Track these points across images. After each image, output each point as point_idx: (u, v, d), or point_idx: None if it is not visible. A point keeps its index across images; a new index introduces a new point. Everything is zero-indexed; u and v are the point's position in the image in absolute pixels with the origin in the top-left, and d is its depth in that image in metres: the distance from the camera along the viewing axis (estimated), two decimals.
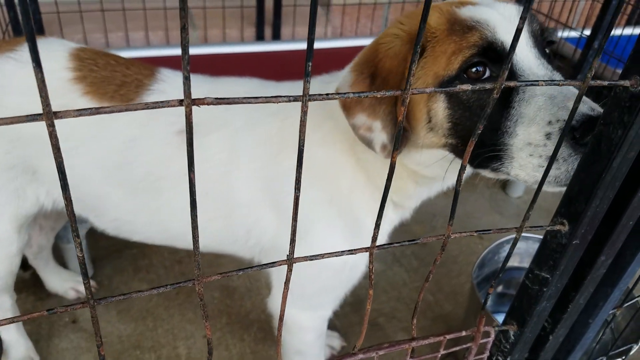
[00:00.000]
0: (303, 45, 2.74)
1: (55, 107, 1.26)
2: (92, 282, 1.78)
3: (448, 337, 0.80)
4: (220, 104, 0.46)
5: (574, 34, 2.95)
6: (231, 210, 1.17)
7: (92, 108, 0.42)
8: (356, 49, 3.16)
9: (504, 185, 2.44)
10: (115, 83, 1.12)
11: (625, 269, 0.84)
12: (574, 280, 0.82)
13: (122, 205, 1.18)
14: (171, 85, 1.16)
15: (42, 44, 1.16)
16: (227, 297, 1.80)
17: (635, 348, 1.31)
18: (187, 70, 0.43)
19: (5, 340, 1.51)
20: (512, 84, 0.53)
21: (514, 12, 0.90)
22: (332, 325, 1.73)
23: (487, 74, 0.88)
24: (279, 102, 0.48)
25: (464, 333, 0.81)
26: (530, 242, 1.65)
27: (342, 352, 1.67)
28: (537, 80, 0.55)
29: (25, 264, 1.70)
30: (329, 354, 1.65)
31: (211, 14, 2.78)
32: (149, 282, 1.82)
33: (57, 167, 0.47)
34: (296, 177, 0.53)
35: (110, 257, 1.91)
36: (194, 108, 1.37)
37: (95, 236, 1.88)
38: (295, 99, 0.49)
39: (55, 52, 1.14)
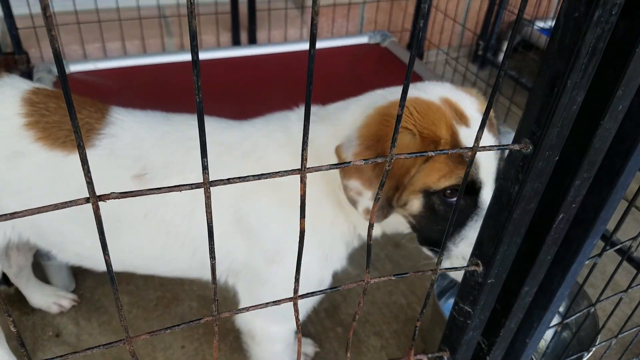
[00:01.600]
0: (280, 49, 2.76)
1: (9, 154, 1.32)
2: (73, 296, 1.84)
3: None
4: (125, 197, 0.50)
5: (551, 24, 2.97)
6: (202, 243, 1.20)
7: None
8: (333, 50, 3.16)
9: None
10: (67, 128, 1.14)
11: (554, 294, 0.90)
12: (504, 306, 0.88)
13: (83, 242, 1.23)
14: (122, 127, 1.18)
15: None
16: (204, 307, 1.87)
17: (586, 356, 1.37)
18: (89, 172, 0.49)
19: None
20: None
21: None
22: (306, 332, 1.80)
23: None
24: (182, 190, 0.52)
25: None
26: None
27: (316, 358, 1.74)
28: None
29: (9, 280, 1.76)
30: None
31: (186, 20, 2.80)
32: (129, 293, 1.89)
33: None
34: (300, 230, 0.57)
35: (90, 271, 1.97)
36: (151, 143, 1.41)
37: None
38: (198, 186, 0.53)
39: (8, 97, 1.16)
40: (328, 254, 1.23)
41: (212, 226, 0.55)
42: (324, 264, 1.23)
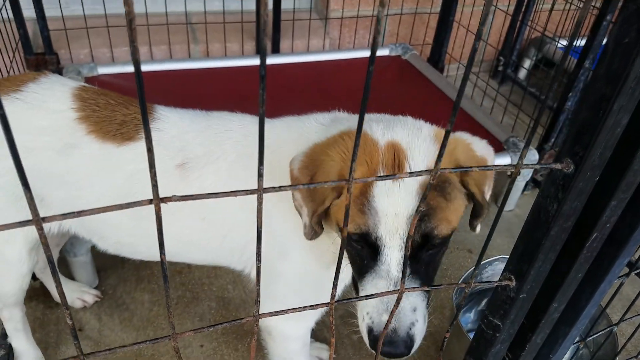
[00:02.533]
0: (302, 59, 2.81)
1: (62, 146, 1.38)
2: (97, 292, 1.88)
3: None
4: (186, 200, 0.53)
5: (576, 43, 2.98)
6: (229, 230, 1.28)
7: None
8: (355, 61, 3.21)
9: (496, 198, 2.50)
10: (117, 122, 1.21)
11: (582, 311, 0.91)
12: (531, 321, 0.89)
13: (125, 230, 1.28)
14: (167, 122, 1.25)
15: (46, 83, 1.24)
16: (223, 307, 1.89)
17: None
18: (154, 175, 0.52)
19: (15, 349, 1.61)
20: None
21: (403, 207, 0.94)
22: (321, 337, 1.82)
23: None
24: (237, 195, 0.55)
25: None
26: None
27: None
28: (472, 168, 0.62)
29: (35, 274, 1.80)
30: None
31: (212, 28, 2.85)
32: (151, 292, 1.92)
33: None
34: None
35: (114, 268, 2.01)
36: (193, 136, 1.47)
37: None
38: (253, 192, 0.56)
39: (59, 92, 1.22)
40: (329, 259, 1.24)
41: (260, 231, 0.57)
42: (324, 266, 1.24)
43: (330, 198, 1.00)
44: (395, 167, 0.98)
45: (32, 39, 2.58)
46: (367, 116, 1.14)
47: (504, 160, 2.25)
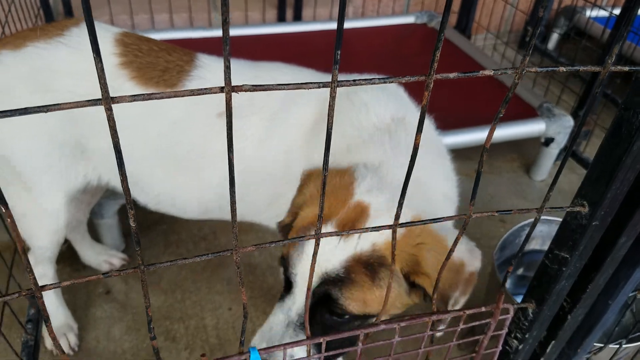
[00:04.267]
0: (324, 26, 2.75)
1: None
2: (124, 255, 1.86)
3: (468, 312, 0.83)
4: (256, 90, 0.49)
5: (603, 12, 2.88)
6: (260, 185, 1.26)
7: (145, 94, 0.46)
8: (378, 29, 3.14)
9: (528, 168, 2.43)
10: (159, 69, 1.18)
11: None
12: (594, 261, 0.84)
13: (165, 181, 1.25)
14: (210, 71, 1.22)
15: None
16: (249, 273, 1.86)
17: None
18: (228, 60, 0.47)
19: (48, 307, 1.60)
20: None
21: (323, 262, 0.90)
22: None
23: None
24: (309, 88, 0.51)
25: (483, 309, 0.84)
26: (552, 225, 1.66)
27: None
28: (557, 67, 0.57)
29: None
30: None
31: None
32: (178, 256, 1.89)
33: (114, 147, 0.51)
34: (324, 159, 0.56)
35: (141, 233, 1.99)
36: (253, 83, 1.42)
37: (126, 213, 1.95)
38: (325, 85, 0.52)
39: (102, 38, 1.19)
40: None
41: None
42: None
43: (289, 217, 1.01)
44: (350, 226, 0.93)
45: (53, 6, 2.55)
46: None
47: (539, 126, 2.19)
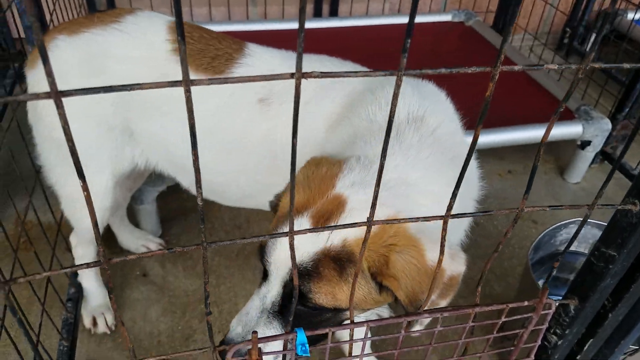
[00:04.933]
0: (361, 22, 2.75)
1: (157, 76, 1.39)
2: (160, 240, 1.91)
3: (510, 305, 0.85)
4: (325, 77, 0.52)
5: None
6: (287, 173, 1.25)
7: (221, 78, 0.49)
8: (415, 26, 3.09)
9: (562, 171, 2.40)
10: (209, 55, 1.22)
11: None
12: None
13: (206, 166, 1.28)
14: (258, 59, 1.25)
15: (143, 16, 1.26)
16: None
17: None
18: (301, 47, 0.49)
19: (85, 288, 1.66)
20: None
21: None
22: None
23: None
24: (375, 76, 0.54)
25: (526, 303, 0.85)
26: (588, 227, 1.64)
27: None
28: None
29: None
30: None
31: None
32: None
33: (190, 128, 0.55)
34: (384, 146, 0.59)
35: (177, 219, 2.04)
36: (276, 81, 1.43)
37: (164, 200, 2.01)
38: (392, 73, 0.54)
39: (157, 25, 1.23)
40: None
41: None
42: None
43: (278, 199, 1.02)
44: (325, 219, 0.91)
45: None
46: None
47: (576, 128, 2.16)
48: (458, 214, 0.70)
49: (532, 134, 2.12)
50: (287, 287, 0.91)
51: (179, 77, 1.21)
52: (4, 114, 2.06)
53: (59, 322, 1.57)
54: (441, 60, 2.57)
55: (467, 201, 1.14)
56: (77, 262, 1.62)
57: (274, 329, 0.93)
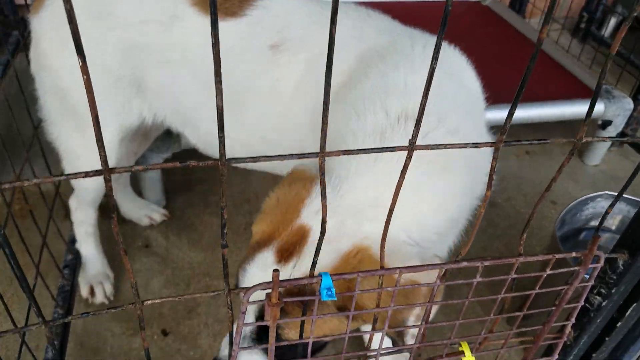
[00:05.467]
0: None
1: (166, 18, 1.29)
2: (164, 211, 1.83)
3: (557, 256, 0.77)
4: None
5: None
6: (292, 133, 1.16)
7: None
8: (431, 4, 3.01)
9: (581, 152, 2.32)
10: None
11: None
12: None
13: (212, 117, 1.19)
14: (275, 1, 1.16)
15: None
16: None
17: None
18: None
19: (83, 255, 1.58)
20: None
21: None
22: None
23: None
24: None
25: (574, 254, 0.77)
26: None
27: None
28: None
29: None
30: None
31: None
32: (218, 217, 1.86)
33: (214, 74, 0.47)
34: (422, 103, 0.51)
35: (182, 191, 1.96)
36: (298, 18, 1.35)
37: (168, 171, 1.93)
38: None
39: None
40: None
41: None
42: None
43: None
44: (289, 253, 0.85)
45: None
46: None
47: (597, 107, 2.08)
48: (511, 141, 0.62)
49: (553, 111, 2.04)
50: (260, 319, 0.87)
51: (189, 18, 1.13)
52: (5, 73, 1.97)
53: (55, 291, 1.49)
54: (458, 39, 2.49)
55: (467, 201, 1.02)
56: (76, 228, 1.54)
57: (255, 355, 0.90)
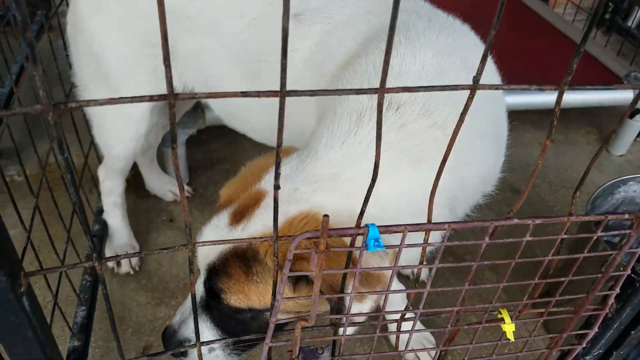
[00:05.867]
0: None
1: None
2: (188, 188, 1.83)
3: (610, 217, 0.75)
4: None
5: None
6: (303, 105, 1.11)
7: None
8: None
9: (607, 139, 2.29)
10: None
11: None
12: None
13: (236, 87, 1.18)
14: None
15: None
16: None
17: None
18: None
19: (110, 226, 1.58)
20: None
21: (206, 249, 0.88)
22: None
23: None
24: None
25: (626, 216, 0.75)
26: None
27: None
28: None
29: None
30: None
31: None
32: None
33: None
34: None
35: (204, 169, 1.96)
36: None
37: (192, 149, 1.93)
38: None
39: None
40: None
41: None
42: None
43: None
44: (241, 214, 0.86)
45: None
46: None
47: (625, 95, 2.05)
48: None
49: (580, 97, 2.02)
50: (206, 284, 0.88)
51: None
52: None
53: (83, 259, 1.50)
54: (482, 26, 2.47)
55: (461, 206, 1.03)
56: (104, 198, 1.54)
57: (204, 322, 0.91)
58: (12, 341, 0.59)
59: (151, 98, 0.51)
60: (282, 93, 0.51)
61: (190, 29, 1.15)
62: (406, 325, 1.21)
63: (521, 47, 2.26)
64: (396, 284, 1.39)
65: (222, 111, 1.33)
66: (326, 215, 0.64)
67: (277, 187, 0.62)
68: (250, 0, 1.13)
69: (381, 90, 0.54)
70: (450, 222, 0.70)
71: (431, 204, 0.69)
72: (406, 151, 0.88)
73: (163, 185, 1.79)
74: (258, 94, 0.52)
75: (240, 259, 0.83)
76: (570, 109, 2.18)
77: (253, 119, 1.28)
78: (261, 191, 0.87)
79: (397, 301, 1.35)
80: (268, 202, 0.85)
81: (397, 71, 0.93)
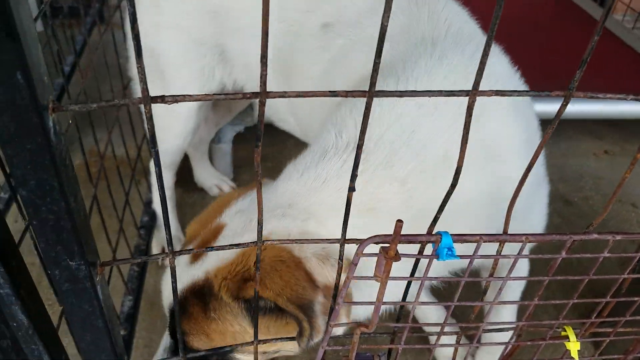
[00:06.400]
0: None
1: None
2: (232, 183, 1.85)
3: None
4: None
5: None
6: (323, 104, 1.07)
7: None
8: None
9: None
10: None
11: None
12: None
13: (274, 89, 1.16)
14: None
15: None
16: None
17: None
18: None
19: (159, 217, 1.60)
20: None
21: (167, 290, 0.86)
22: None
23: None
24: None
25: None
26: None
27: None
28: None
29: None
30: None
31: None
32: None
33: None
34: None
35: (247, 167, 1.98)
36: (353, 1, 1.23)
37: (236, 147, 1.93)
38: None
39: None
40: None
41: None
42: None
43: None
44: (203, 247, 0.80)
45: None
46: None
47: None
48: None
49: (627, 107, 1.92)
50: (170, 328, 0.86)
51: None
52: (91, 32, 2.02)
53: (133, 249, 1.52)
54: (536, 28, 2.40)
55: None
56: (154, 190, 1.56)
57: None
58: (82, 330, 0.59)
59: (244, 95, 0.51)
60: (371, 93, 0.50)
61: (236, 29, 1.16)
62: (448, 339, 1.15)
63: (580, 55, 2.19)
64: (426, 296, 1.34)
65: (273, 116, 1.32)
66: (400, 220, 0.62)
67: (351, 189, 0.60)
68: (291, 5, 1.11)
69: (472, 92, 0.52)
70: (527, 235, 0.67)
71: (509, 215, 0.67)
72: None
73: (210, 179, 1.81)
74: (346, 93, 0.50)
75: (197, 296, 0.79)
76: (628, 120, 2.10)
77: (308, 128, 1.25)
78: (220, 225, 0.85)
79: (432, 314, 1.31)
80: (225, 234, 0.83)
81: (378, 116, 0.86)
